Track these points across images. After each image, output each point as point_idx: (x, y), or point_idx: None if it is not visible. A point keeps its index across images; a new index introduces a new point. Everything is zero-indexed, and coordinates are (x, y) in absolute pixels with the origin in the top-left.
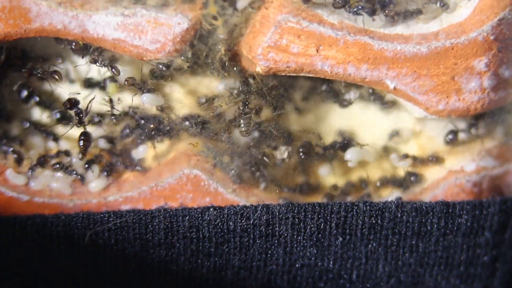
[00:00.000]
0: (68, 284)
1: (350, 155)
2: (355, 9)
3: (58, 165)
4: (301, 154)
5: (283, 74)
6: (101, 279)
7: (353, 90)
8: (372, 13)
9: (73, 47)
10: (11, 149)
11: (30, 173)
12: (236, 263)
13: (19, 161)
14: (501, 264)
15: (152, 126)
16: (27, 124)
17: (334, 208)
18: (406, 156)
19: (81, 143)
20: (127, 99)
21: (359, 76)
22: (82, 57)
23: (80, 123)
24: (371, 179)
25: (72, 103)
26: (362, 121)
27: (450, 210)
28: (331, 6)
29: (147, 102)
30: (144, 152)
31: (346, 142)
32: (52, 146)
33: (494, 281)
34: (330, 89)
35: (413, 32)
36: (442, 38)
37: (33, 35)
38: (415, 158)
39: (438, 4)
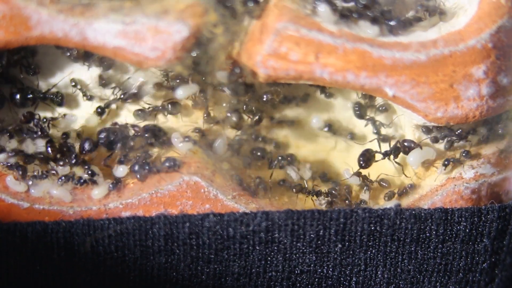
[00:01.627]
0: None
1: (413, 158)
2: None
3: (63, 177)
4: (361, 163)
5: (282, 81)
6: (101, 286)
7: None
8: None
9: (74, 54)
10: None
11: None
12: (236, 270)
13: (21, 170)
14: (500, 270)
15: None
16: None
17: (333, 215)
18: (358, 174)
19: (49, 149)
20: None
21: (358, 83)
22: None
23: (42, 132)
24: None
25: (26, 117)
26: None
27: (448, 217)
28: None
29: (183, 95)
30: (124, 172)
31: (407, 145)
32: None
33: None
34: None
35: (412, 39)
36: (440, 45)
37: (34, 43)
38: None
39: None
